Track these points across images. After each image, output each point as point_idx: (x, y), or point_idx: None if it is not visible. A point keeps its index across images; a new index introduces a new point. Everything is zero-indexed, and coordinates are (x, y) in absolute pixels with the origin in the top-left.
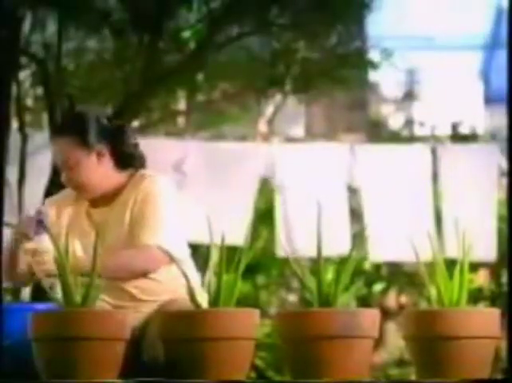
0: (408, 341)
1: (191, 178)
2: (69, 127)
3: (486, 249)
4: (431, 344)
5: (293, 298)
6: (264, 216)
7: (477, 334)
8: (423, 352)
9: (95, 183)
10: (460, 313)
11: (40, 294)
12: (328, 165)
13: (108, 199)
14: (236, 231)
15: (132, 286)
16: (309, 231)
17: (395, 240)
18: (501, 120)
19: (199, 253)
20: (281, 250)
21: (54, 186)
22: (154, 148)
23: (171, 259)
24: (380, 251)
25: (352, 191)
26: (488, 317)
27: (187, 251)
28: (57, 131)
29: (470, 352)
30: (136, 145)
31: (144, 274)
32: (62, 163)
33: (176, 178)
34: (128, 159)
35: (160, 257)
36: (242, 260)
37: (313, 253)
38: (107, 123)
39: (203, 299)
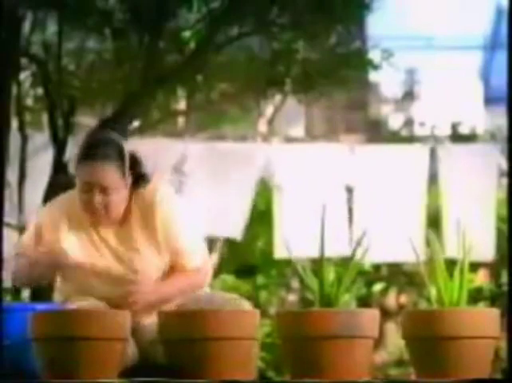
0: (408, 341)
1: (191, 178)
2: (111, 154)
3: (486, 249)
4: (431, 344)
5: (292, 298)
6: (263, 216)
7: (477, 334)
8: (423, 352)
9: (120, 208)
10: (460, 313)
11: (40, 294)
12: (328, 165)
13: (118, 218)
14: (236, 231)
15: None
16: (307, 232)
17: (393, 240)
18: (501, 120)
19: None
20: (279, 250)
21: (54, 186)
22: (154, 148)
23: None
24: (378, 252)
25: (352, 192)
26: (488, 317)
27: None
28: (97, 155)
29: (469, 352)
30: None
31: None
32: (99, 186)
33: (177, 178)
34: (141, 180)
35: (207, 274)
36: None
37: (311, 253)
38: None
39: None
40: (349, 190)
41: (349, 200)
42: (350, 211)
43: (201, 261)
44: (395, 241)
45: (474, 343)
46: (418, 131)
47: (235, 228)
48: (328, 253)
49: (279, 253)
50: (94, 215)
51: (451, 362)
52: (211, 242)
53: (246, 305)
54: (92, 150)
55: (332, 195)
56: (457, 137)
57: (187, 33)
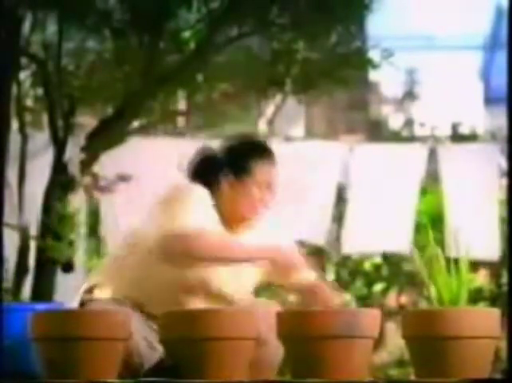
0: (408, 341)
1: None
2: (272, 152)
3: (487, 248)
4: (431, 343)
5: (292, 297)
6: None
7: (477, 334)
8: (423, 351)
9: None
10: (460, 313)
11: (40, 294)
12: (328, 165)
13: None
14: None
15: None
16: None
17: (393, 239)
18: (501, 120)
19: None
20: None
21: (54, 186)
22: (154, 148)
23: None
24: (377, 250)
25: (351, 191)
26: (488, 317)
27: None
28: (273, 155)
29: (470, 352)
30: None
31: None
32: (271, 185)
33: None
34: None
35: None
36: None
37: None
38: None
39: None
40: (348, 189)
41: (348, 199)
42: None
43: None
44: (394, 240)
45: (474, 343)
46: (418, 131)
47: None
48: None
49: None
50: (256, 213)
51: (452, 362)
52: None
53: None
54: (268, 150)
55: (332, 195)
56: (457, 137)
57: (187, 33)
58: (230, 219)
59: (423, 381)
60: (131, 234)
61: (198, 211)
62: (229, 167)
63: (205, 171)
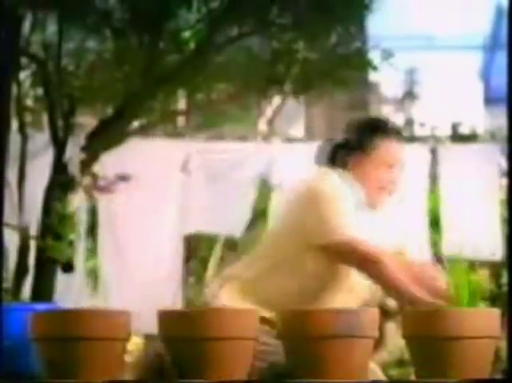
0: (408, 341)
1: (191, 178)
2: (399, 131)
3: (487, 249)
4: (431, 344)
5: None
6: (263, 216)
7: (477, 334)
8: (423, 352)
9: None
10: (460, 313)
11: (40, 294)
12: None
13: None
14: (236, 231)
15: None
16: None
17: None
18: (501, 120)
19: (199, 251)
20: None
21: (54, 186)
22: (154, 148)
23: None
24: None
25: None
26: (488, 317)
27: None
28: (397, 132)
29: (470, 352)
30: None
31: None
32: (397, 164)
33: (182, 178)
34: None
35: None
36: None
37: None
38: None
39: None
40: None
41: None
42: None
43: None
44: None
45: (474, 343)
46: (418, 131)
47: (235, 228)
48: None
49: None
50: (385, 194)
51: (451, 362)
52: (211, 242)
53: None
54: (393, 128)
55: None
56: (457, 137)
57: (187, 33)
58: (365, 197)
59: (423, 381)
60: (266, 236)
61: (347, 201)
62: (356, 146)
63: (336, 153)
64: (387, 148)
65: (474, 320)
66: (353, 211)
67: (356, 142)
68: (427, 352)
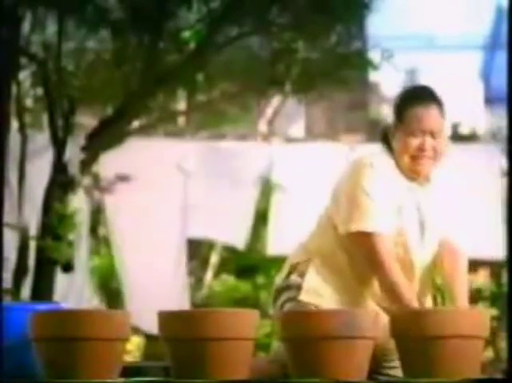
0: (396, 340)
1: (191, 177)
2: (435, 97)
3: (488, 249)
4: (418, 343)
5: None
6: (264, 216)
7: (464, 334)
8: (410, 351)
9: (442, 157)
10: (449, 313)
11: (40, 294)
12: (328, 165)
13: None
14: (236, 231)
15: None
16: (306, 231)
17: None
18: (501, 120)
19: (199, 252)
20: (272, 248)
21: (54, 186)
22: (154, 148)
23: None
24: None
25: None
26: (477, 317)
27: None
28: (427, 97)
29: (456, 351)
30: None
31: None
32: (429, 129)
33: (180, 177)
34: None
35: None
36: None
37: None
38: None
39: None
40: None
41: None
42: None
43: None
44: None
45: (461, 343)
46: None
47: (235, 228)
48: None
49: (271, 250)
50: (420, 162)
51: (438, 361)
52: (210, 243)
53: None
54: (427, 96)
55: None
56: (457, 137)
57: (186, 33)
58: (404, 170)
59: (423, 382)
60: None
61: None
62: (394, 116)
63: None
64: (416, 114)
65: (463, 320)
66: (393, 193)
67: (393, 112)
68: (414, 351)
